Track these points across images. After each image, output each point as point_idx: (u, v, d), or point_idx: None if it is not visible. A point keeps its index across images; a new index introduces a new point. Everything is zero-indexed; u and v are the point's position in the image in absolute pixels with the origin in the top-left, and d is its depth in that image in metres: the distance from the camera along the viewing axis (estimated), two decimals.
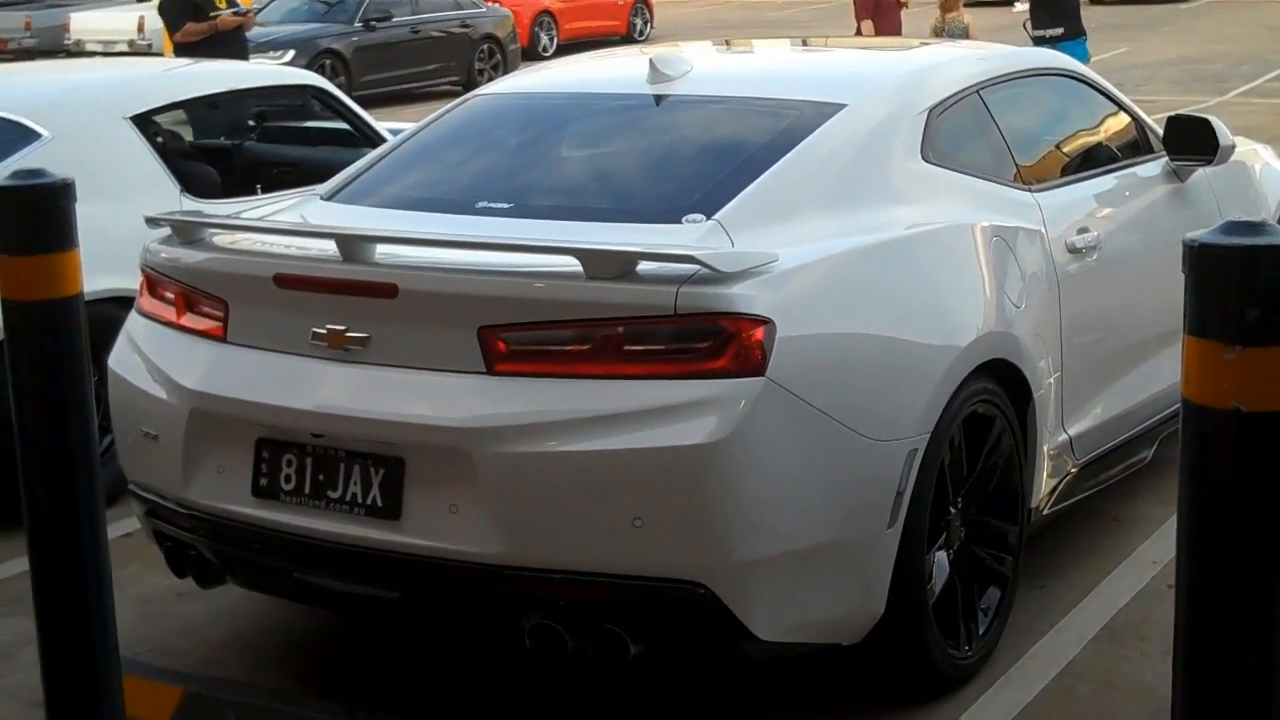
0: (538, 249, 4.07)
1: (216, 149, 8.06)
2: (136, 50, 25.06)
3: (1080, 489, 5.29)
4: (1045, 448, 4.95)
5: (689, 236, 4.18)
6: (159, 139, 7.21)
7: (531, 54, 25.39)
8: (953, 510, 4.47)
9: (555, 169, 5.08)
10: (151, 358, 4.54)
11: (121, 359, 4.66)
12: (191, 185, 6.84)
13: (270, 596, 4.87)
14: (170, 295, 4.56)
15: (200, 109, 7.95)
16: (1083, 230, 5.31)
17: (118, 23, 26.31)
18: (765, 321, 3.84)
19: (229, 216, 5.06)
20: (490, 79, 20.68)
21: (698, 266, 3.83)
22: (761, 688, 4.56)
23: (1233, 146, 6.14)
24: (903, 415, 4.15)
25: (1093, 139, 6.08)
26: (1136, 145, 6.17)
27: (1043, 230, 5.06)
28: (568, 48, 25.78)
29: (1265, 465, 2.55)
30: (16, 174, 3.65)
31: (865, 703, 4.50)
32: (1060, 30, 14.52)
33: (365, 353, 4.10)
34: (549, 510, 3.87)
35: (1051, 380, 4.96)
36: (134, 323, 4.72)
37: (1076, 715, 4.44)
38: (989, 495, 4.64)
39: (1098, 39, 19.35)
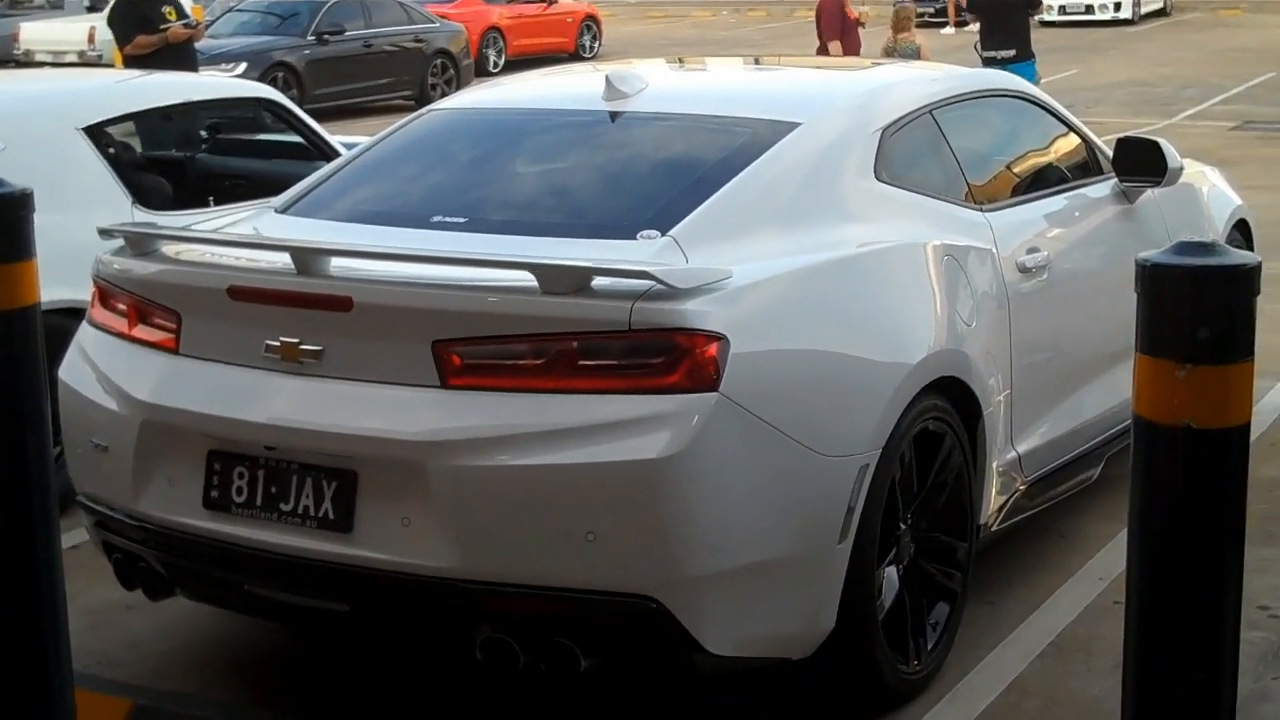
0: (493, 263, 4.08)
1: (169, 161, 8.02)
2: (87, 61, 24.92)
3: (1028, 506, 5.32)
4: (994, 465, 4.99)
5: (644, 252, 4.19)
6: (111, 150, 7.17)
7: (480, 70, 25.32)
8: (903, 526, 4.49)
9: (511, 184, 5.09)
10: (103, 369, 4.52)
11: (72, 370, 4.63)
12: (143, 197, 6.80)
13: (220, 609, 4.85)
14: (122, 306, 4.54)
15: (153, 120, 7.91)
16: (1033, 250, 5.35)
17: (68, 33, 26.16)
18: (719, 337, 3.86)
19: (183, 228, 5.05)
20: (443, 94, 20.72)
21: (652, 282, 3.84)
22: (712, 703, 4.57)
23: (1181, 169, 6.20)
24: (855, 431, 4.17)
25: (1043, 160, 6.13)
26: (1086, 166, 6.22)
27: (993, 249, 5.10)
28: (516, 64, 25.75)
29: (1214, 481, 2.59)
30: None
31: (815, 717, 4.51)
32: (1012, 52, 14.64)
33: (319, 365, 4.10)
34: (502, 524, 3.88)
35: (1001, 398, 5.00)
36: (85, 334, 4.70)
37: None
38: (939, 511, 4.67)
39: (1049, 61, 19.52)
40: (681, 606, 3.85)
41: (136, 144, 8.02)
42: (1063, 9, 34.03)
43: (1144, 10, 35.39)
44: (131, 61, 12.30)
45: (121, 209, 6.55)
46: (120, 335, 4.53)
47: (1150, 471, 2.63)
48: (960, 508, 4.76)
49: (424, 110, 5.63)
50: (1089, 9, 34.30)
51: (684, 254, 4.20)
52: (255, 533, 4.16)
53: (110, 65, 20.29)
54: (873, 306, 4.46)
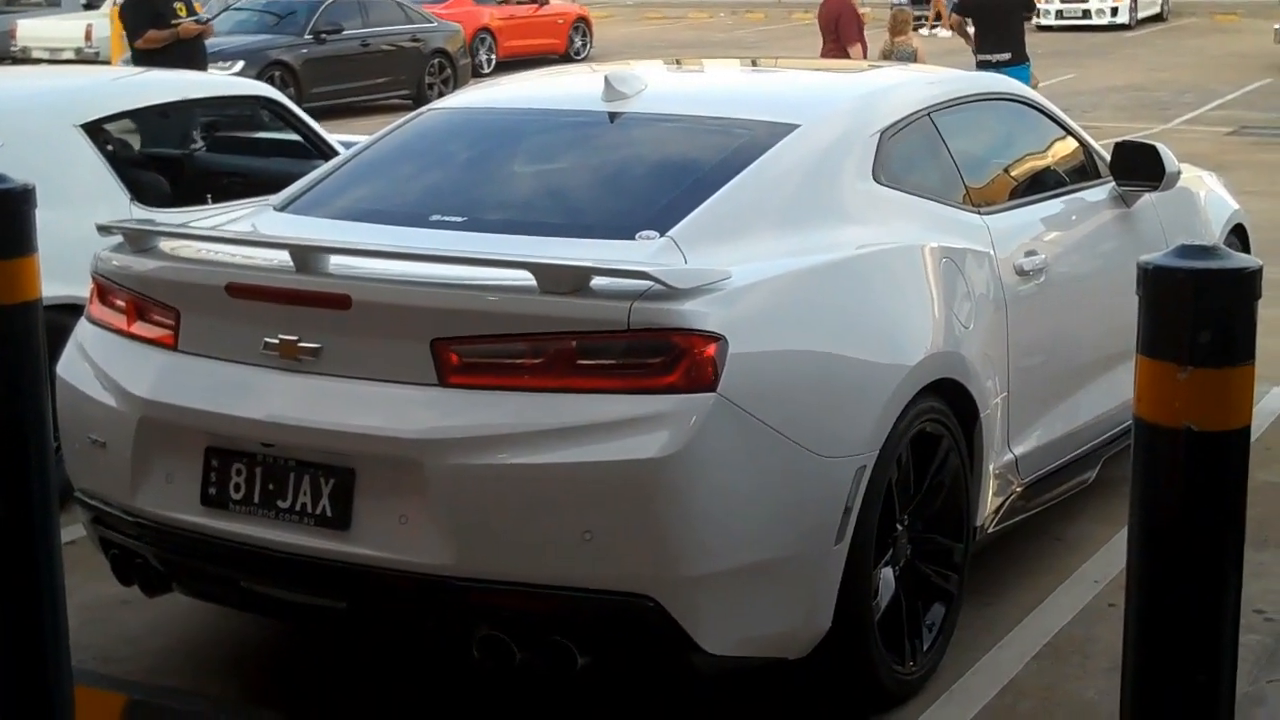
0: (491, 262, 4.08)
1: (167, 158, 8.02)
2: (84, 58, 24.91)
3: (1025, 508, 5.33)
4: (991, 467, 4.99)
5: (643, 252, 4.20)
6: (109, 147, 7.16)
7: (470, 71, 25.31)
8: (899, 527, 4.50)
9: (510, 183, 5.09)
10: (101, 365, 4.52)
11: (70, 366, 4.63)
12: (141, 194, 6.81)
13: (216, 605, 4.85)
14: (121, 303, 4.54)
15: (151, 118, 7.90)
16: (1030, 253, 5.36)
17: (65, 30, 26.16)
18: (717, 338, 3.87)
19: (182, 225, 5.05)
20: (440, 94, 20.71)
21: (651, 282, 3.85)
22: (707, 702, 4.57)
23: (1178, 173, 6.21)
24: (852, 433, 4.18)
25: (1041, 163, 6.14)
26: (1084, 170, 6.23)
27: (991, 252, 5.10)
28: (507, 65, 25.71)
29: (1214, 483, 2.59)
30: None
31: (811, 718, 4.51)
32: (1007, 55, 14.65)
33: (317, 363, 4.10)
34: (499, 522, 3.88)
35: (998, 400, 5.01)
36: (83, 330, 4.70)
37: None
38: (935, 513, 4.68)
39: (1046, 65, 19.55)
40: (678, 606, 3.86)
41: (135, 141, 8.03)
42: (1060, 13, 34.12)
43: (1141, 15, 35.44)
44: (142, 56, 12.31)
45: (120, 206, 6.56)
46: (118, 332, 4.53)
47: (1151, 473, 2.64)
48: (957, 509, 4.77)
49: (423, 109, 5.64)
50: (1086, 13, 34.37)
51: (683, 254, 4.21)
52: (252, 529, 4.16)
53: (108, 62, 20.33)
54: (871, 308, 4.47)
